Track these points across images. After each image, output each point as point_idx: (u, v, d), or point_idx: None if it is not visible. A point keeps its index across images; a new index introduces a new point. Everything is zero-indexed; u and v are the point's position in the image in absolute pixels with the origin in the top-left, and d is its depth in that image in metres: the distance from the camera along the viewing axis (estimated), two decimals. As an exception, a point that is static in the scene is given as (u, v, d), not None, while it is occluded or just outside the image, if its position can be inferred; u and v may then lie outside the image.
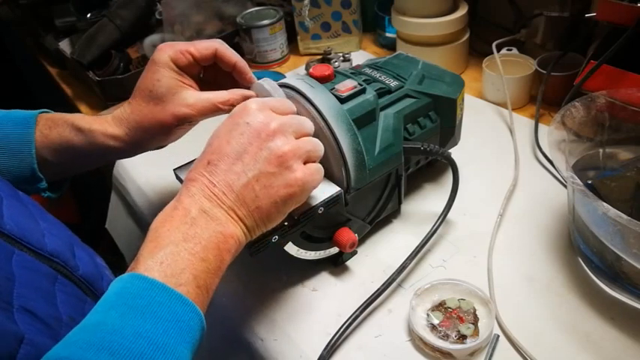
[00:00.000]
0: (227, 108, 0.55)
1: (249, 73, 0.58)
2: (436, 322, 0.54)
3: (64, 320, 0.42)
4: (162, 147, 0.62)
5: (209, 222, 0.43)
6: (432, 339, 0.52)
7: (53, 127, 0.58)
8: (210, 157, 0.45)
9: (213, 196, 0.44)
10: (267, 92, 0.55)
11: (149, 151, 0.61)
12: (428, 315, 0.55)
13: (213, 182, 0.44)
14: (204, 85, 0.59)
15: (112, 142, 0.57)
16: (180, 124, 0.56)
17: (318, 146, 0.49)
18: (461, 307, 0.55)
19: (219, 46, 0.56)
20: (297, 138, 0.48)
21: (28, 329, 0.38)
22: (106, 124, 0.57)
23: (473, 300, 0.56)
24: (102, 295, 0.49)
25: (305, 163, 0.48)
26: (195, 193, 0.44)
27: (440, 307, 0.56)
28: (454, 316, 0.54)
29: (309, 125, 0.50)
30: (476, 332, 0.53)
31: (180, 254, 0.41)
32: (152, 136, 0.57)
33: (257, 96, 0.56)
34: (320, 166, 0.49)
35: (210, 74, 0.60)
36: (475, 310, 0.55)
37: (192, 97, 0.55)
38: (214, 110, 0.56)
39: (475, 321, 0.54)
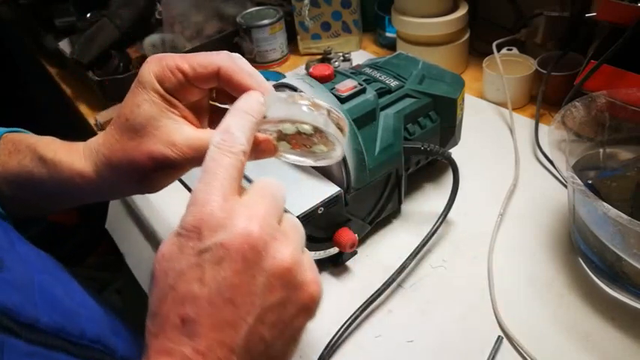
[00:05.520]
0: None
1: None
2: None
3: None
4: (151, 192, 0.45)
5: None
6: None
7: (14, 152, 0.45)
8: (181, 310, 0.30)
9: None
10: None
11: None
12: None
13: (199, 350, 0.29)
14: (216, 114, 0.44)
15: (79, 180, 0.42)
16: (159, 168, 0.40)
17: (300, 226, 0.35)
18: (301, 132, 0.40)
19: (222, 62, 0.38)
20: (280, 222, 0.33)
21: None
22: (76, 154, 0.43)
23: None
24: None
25: None
26: None
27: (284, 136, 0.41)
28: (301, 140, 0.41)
29: (282, 193, 0.35)
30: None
31: None
32: (123, 179, 0.42)
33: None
34: (308, 254, 0.35)
35: (224, 97, 0.43)
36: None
37: (181, 134, 0.39)
38: None
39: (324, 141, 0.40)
